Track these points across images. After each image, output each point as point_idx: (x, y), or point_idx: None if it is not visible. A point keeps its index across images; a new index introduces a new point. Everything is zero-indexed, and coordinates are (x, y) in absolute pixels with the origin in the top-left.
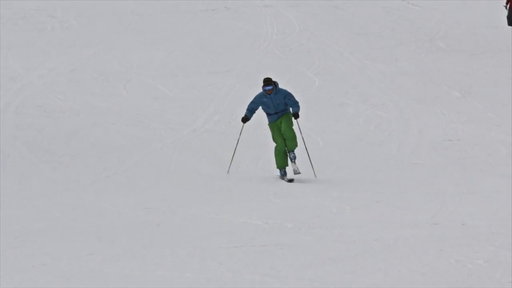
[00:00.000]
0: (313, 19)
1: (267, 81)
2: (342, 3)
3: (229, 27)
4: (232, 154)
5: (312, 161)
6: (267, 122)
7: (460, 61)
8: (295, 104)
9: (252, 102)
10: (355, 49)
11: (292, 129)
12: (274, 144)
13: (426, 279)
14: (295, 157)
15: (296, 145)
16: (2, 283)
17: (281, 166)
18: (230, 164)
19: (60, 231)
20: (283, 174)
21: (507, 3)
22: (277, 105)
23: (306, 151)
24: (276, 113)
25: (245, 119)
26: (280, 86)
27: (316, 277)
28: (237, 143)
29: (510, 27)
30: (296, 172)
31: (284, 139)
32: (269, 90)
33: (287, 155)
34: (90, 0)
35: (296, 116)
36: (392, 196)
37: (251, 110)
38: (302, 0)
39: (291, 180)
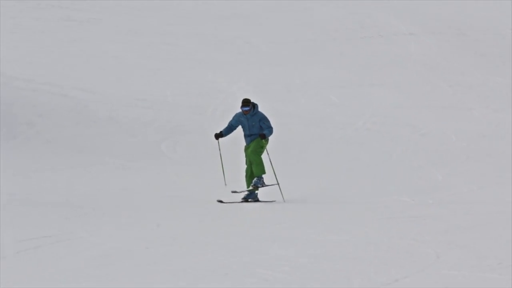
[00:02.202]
0: (446, 43)
1: (245, 102)
2: (467, 30)
3: (382, 50)
4: (221, 167)
5: (280, 187)
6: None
7: None
8: (268, 129)
9: (232, 119)
10: (478, 66)
11: (258, 155)
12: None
13: None
14: (256, 184)
15: (260, 171)
16: None
17: (248, 184)
18: (224, 177)
19: (254, 204)
20: (249, 195)
21: None
22: (252, 126)
23: (275, 177)
24: (250, 135)
25: (217, 136)
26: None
27: (451, 241)
28: (221, 157)
29: None
30: (233, 191)
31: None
32: (246, 110)
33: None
34: (278, 28)
35: (262, 136)
36: None
37: (229, 127)
38: (438, 28)
39: (235, 192)
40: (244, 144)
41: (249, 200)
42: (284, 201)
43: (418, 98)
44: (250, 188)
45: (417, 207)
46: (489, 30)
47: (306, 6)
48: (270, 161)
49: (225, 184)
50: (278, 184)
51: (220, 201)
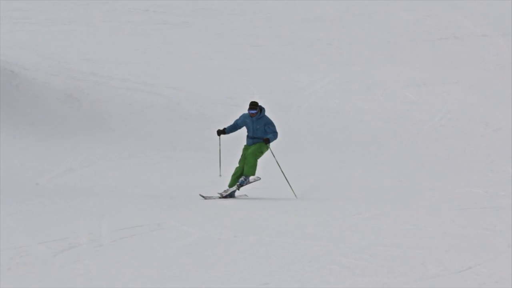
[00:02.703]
0: None
1: (253, 105)
2: None
3: (456, 50)
4: (219, 158)
5: (291, 184)
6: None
7: None
8: (273, 134)
9: (238, 118)
10: None
11: (255, 158)
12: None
13: None
14: (242, 183)
15: (251, 173)
16: None
17: (231, 186)
18: (220, 168)
19: (335, 196)
20: (226, 192)
21: None
22: (256, 130)
23: (285, 179)
24: (253, 138)
25: (219, 132)
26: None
27: None
28: (220, 150)
29: None
30: (201, 195)
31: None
32: (252, 113)
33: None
34: (358, 30)
35: (266, 141)
36: None
37: (234, 126)
38: (510, 29)
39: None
40: (245, 143)
41: (226, 196)
42: (296, 198)
43: (490, 96)
44: (234, 188)
45: (490, 198)
46: None
47: (386, 9)
48: (277, 162)
49: (220, 175)
50: (287, 181)
51: (202, 196)
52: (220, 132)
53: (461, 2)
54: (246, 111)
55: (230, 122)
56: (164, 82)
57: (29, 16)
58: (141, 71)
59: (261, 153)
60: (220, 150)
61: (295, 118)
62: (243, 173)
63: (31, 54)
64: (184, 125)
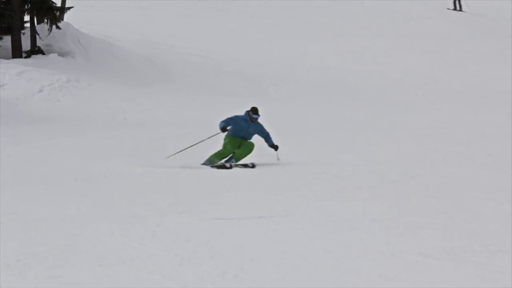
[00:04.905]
0: None
1: (256, 110)
2: None
3: (411, 28)
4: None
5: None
6: (226, 134)
7: None
8: (268, 135)
9: (231, 119)
10: None
11: (250, 152)
12: (218, 149)
13: None
14: (230, 162)
15: (241, 159)
16: None
17: (211, 160)
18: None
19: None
20: (206, 164)
21: None
22: (249, 133)
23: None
24: (243, 137)
25: (224, 130)
26: None
27: None
28: (207, 138)
29: None
30: (229, 166)
31: (235, 151)
32: (255, 118)
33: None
34: (346, 14)
35: (276, 148)
36: None
37: (227, 124)
38: None
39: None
40: (226, 134)
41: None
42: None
43: (434, 59)
44: (223, 162)
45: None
46: None
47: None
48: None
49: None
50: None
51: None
52: (224, 130)
53: None
54: (241, 113)
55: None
56: (211, 49)
57: (119, 4)
58: (197, 42)
59: (249, 153)
60: (209, 137)
61: (303, 74)
62: (235, 156)
63: (123, 31)
64: (226, 80)
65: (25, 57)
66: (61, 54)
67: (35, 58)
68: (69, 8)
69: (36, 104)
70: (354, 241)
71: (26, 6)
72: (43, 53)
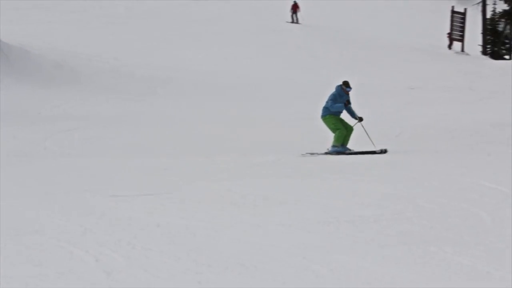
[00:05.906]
0: None
1: (349, 84)
2: None
3: (274, 38)
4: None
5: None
6: (326, 114)
7: None
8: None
9: (335, 98)
10: None
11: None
12: (338, 130)
13: None
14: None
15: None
16: None
17: (344, 142)
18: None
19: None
20: (343, 150)
21: None
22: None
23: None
24: (340, 113)
25: (361, 119)
26: None
27: None
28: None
29: None
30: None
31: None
32: (348, 91)
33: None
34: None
35: (361, 119)
36: None
37: (340, 105)
38: None
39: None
40: (328, 114)
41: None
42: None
43: (296, 65)
44: (350, 149)
45: None
46: None
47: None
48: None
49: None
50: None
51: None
52: (361, 119)
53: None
54: (333, 89)
55: None
56: (110, 55)
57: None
58: (98, 49)
59: None
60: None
61: (185, 76)
62: (343, 142)
63: (34, 40)
64: (121, 80)
65: None
66: None
67: None
68: None
69: None
70: (227, 215)
71: None
72: None
